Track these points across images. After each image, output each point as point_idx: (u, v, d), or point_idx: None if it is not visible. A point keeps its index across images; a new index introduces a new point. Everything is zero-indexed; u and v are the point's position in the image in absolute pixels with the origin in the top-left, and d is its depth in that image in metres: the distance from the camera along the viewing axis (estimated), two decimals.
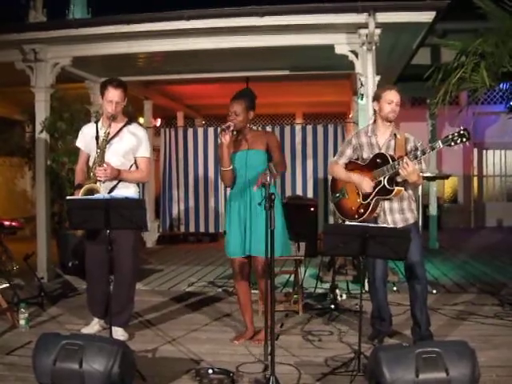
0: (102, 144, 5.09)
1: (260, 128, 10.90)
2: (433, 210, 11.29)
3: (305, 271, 7.42)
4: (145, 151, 5.34)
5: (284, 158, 5.21)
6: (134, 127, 5.35)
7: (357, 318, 4.82)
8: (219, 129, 4.84)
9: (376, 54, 7.22)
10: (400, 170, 4.57)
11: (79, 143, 5.45)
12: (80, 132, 5.49)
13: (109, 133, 5.11)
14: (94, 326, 5.38)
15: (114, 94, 5.12)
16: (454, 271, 8.40)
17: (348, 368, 4.24)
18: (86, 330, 5.31)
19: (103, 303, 5.25)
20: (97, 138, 5.17)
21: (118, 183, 5.19)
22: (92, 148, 5.24)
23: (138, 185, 5.43)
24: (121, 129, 5.25)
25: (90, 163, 5.22)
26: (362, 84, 7.31)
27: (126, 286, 5.26)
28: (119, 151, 5.20)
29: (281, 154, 5.11)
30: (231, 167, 4.95)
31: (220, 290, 7.36)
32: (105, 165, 5.01)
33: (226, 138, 4.81)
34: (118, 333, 5.09)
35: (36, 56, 7.86)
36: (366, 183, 4.83)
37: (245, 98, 5.00)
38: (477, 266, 8.83)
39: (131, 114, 7.47)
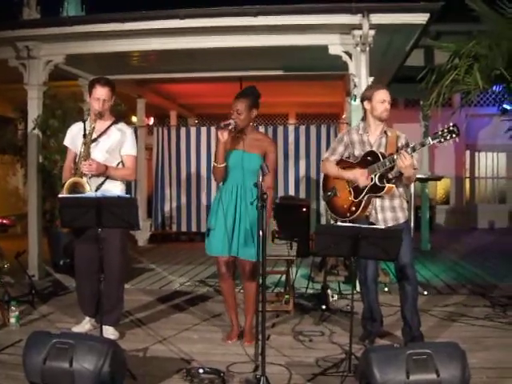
0: (88, 138, 5.13)
1: None
2: (425, 211, 11.31)
3: (296, 271, 7.42)
4: (131, 149, 5.37)
5: (274, 177, 5.16)
6: (120, 125, 5.39)
7: (348, 319, 4.82)
8: (221, 124, 4.77)
9: (370, 55, 7.23)
10: (399, 161, 4.56)
11: (67, 142, 5.49)
12: (68, 131, 5.52)
13: (94, 127, 5.15)
14: (85, 325, 5.39)
15: (101, 92, 5.19)
16: (445, 273, 8.42)
17: (339, 369, 4.24)
18: (76, 329, 5.31)
19: (93, 302, 5.25)
20: (84, 135, 5.21)
21: (105, 180, 5.22)
22: (79, 146, 5.25)
23: (125, 183, 5.49)
24: (108, 127, 5.29)
25: (77, 159, 5.25)
26: (355, 85, 7.32)
27: (116, 284, 5.26)
28: (105, 147, 5.24)
29: (274, 173, 5.04)
30: (224, 164, 4.92)
31: (211, 289, 7.37)
32: (90, 160, 5.06)
33: (223, 135, 4.76)
34: (109, 331, 5.09)
35: (29, 53, 7.83)
36: (360, 175, 4.81)
37: (248, 97, 4.94)
38: (468, 268, 8.85)
39: (122, 113, 7.52)
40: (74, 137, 5.38)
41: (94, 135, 5.20)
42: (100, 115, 5.17)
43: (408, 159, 4.54)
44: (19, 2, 10.10)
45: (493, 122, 14.03)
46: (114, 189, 5.22)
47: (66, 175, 5.38)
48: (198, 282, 7.82)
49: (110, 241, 5.02)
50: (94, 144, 5.17)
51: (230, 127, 4.78)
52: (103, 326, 4.70)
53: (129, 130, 5.41)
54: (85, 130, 5.24)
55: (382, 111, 4.86)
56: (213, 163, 4.97)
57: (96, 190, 5.10)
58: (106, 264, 5.07)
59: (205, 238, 5.11)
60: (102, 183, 5.21)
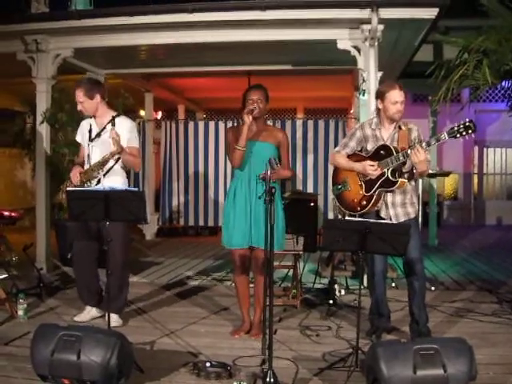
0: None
1: None
2: (433, 207, 11.29)
3: (304, 266, 7.42)
4: (134, 141, 5.47)
5: (290, 165, 5.26)
6: (121, 119, 5.46)
7: (355, 314, 4.82)
8: (249, 108, 4.91)
9: (378, 49, 7.20)
10: (413, 156, 4.55)
11: (78, 138, 5.72)
12: (79, 127, 5.73)
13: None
14: (87, 314, 5.52)
15: (76, 95, 5.44)
16: (452, 268, 8.40)
17: (345, 363, 4.24)
18: (79, 318, 5.46)
19: (92, 291, 5.53)
20: (89, 131, 5.46)
21: (106, 173, 5.36)
22: (84, 141, 5.54)
23: (128, 176, 5.65)
24: (108, 122, 5.36)
25: (85, 157, 5.50)
26: (363, 80, 7.30)
27: (118, 271, 5.34)
28: (107, 142, 5.32)
29: (288, 160, 5.18)
30: (245, 149, 4.96)
31: (219, 283, 7.37)
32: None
33: (249, 118, 4.88)
34: (113, 319, 5.07)
35: (38, 47, 7.84)
36: (368, 167, 4.79)
37: (263, 89, 5.11)
38: (476, 264, 8.84)
39: (129, 107, 7.65)
40: (83, 134, 5.60)
41: (97, 130, 5.44)
42: (90, 116, 5.51)
43: (422, 154, 4.52)
44: None
45: (501, 118, 13.99)
46: (114, 184, 5.29)
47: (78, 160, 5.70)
48: (205, 276, 7.83)
49: (111, 231, 5.10)
50: (97, 139, 5.40)
51: (255, 112, 4.92)
52: (112, 315, 5.04)
53: (130, 124, 5.51)
54: (90, 125, 5.48)
55: (395, 112, 4.80)
56: (235, 147, 4.99)
57: (98, 182, 5.34)
58: (108, 253, 5.25)
59: (222, 232, 5.15)
60: (99, 180, 5.37)
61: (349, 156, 5.05)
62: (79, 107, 5.47)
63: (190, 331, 5.29)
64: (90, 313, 5.53)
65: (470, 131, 4.37)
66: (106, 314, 5.34)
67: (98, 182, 5.35)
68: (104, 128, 5.38)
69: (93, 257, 5.50)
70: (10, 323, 5.39)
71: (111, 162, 5.31)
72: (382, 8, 6.92)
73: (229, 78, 11.23)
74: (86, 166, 5.44)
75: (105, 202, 4.42)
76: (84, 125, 5.62)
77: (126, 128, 5.40)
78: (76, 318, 5.45)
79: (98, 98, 5.42)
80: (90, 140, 5.43)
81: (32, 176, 11.39)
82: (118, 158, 5.31)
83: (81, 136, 5.63)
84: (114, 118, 5.23)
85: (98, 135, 5.40)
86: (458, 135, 4.40)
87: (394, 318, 5.36)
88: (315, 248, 6.89)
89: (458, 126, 4.40)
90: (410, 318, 4.97)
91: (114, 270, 5.26)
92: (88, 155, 5.44)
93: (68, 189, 4.91)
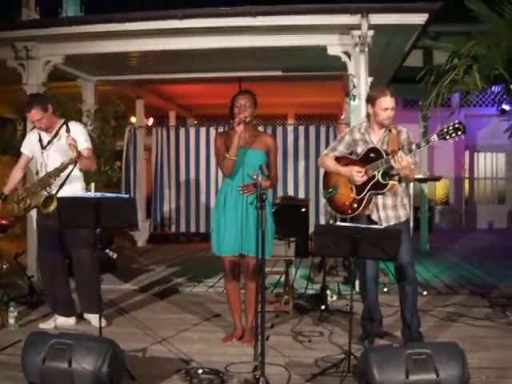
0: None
1: None
2: (424, 211, 11.32)
3: (295, 272, 7.41)
4: (85, 142, 5.48)
5: (276, 172, 5.24)
6: (72, 124, 5.55)
7: (347, 319, 4.81)
8: (241, 117, 4.88)
9: (369, 55, 7.23)
10: (393, 164, 4.56)
11: (24, 149, 5.70)
12: (26, 138, 5.75)
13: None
14: (52, 322, 5.51)
15: (31, 116, 5.38)
16: (444, 273, 8.41)
17: (338, 369, 4.23)
18: (43, 325, 5.46)
19: (60, 299, 5.55)
20: (40, 140, 5.46)
21: (64, 182, 5.36)
22: (36, 151, 5.53)
23: (85, 181, 5.73)
24: (59, 128, 5.45)
25: (38, 166, 5.54)
26: (354, 85, 7.32)
27: (86, 276, 5.40)
28: (61, 145, 5.34)
29: (276, 169, 5.17)
30: (236, 157, 4.95)
31: (210, 289, 7.36)
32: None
33: (240, 127, 4.87)
34: (97, 319, 4.88)
35: (28, 54, 7.83)
36: (355, 173, 4.80)
37: (250, 94, 5.09)
38: (467, 268, 8.85)
39: (120, 114, 7.61)
40: (32, 142, 5.59)
41: (48, 138, 5.44)
42: (45, 130, 5.45)
43: (404, 160, 4.52)
44: (18, 2, 10.09)
45: (492, 123, 14.05)
46: (75, 189, 5.43)
47: (10, 183, 5.88)
48: (197, 282, 7.80)
49: (72, 236, 5.27)
50: (49, 146, 5.42)
51: (248, 120, 4.91)
52: (90, 315, 5.47)
53: (79, 127, 5.59)
54: (40, 135, 5.47)
55: (385, 118, 4.80)
56: (226, 156, 4.97)
57: (56, 193, 5.30)
58: (74, 259, 5.51)
59: (212, 238, 5.12)
60: (62, 185, 5.36)
61: (338, 159, 5.05)
62: (38, 125, 5.40)
63: (182, 338, 5.27)
64: (55, 321, 5.53)
65: (459, 132, 4.38)
66: (88, 317, 5.57)
67: (61, 187, 5.34)
68: (57, 134, 5.40)
69: (57, 264, 5.51)
70: (1, 331, 5.36)
71: (70, 168, 5.31)
72: (371, 14, 6.95)
73: (220, 84, 11.24)
74: (41, 174, 5.44)
75: (95, 208, 4.41)
76: (31, 136, 5.62)
77: (78, 132, 5.44)
78: (40, 325, 5.46)
79: (50, 108, 5.44)
80: (43, 148, 5.43)
81: (23, 183, 11.35)
82: (76, 163, 5.29)
83: (28, 148, 5.63)
84: (67, 124, 5.30)
85: (50, 142, 5.42)
86: (448, 137, 4.41)
87: (386, 323, 5.36)
88: (307, 253, 6.89)
89: (448, 127, 4.41)
90: (402, 323, 4.97)
91: (82, 274, 5.46)
92: (41, 164, 5.46)
93: (58, 196, 4.93)
